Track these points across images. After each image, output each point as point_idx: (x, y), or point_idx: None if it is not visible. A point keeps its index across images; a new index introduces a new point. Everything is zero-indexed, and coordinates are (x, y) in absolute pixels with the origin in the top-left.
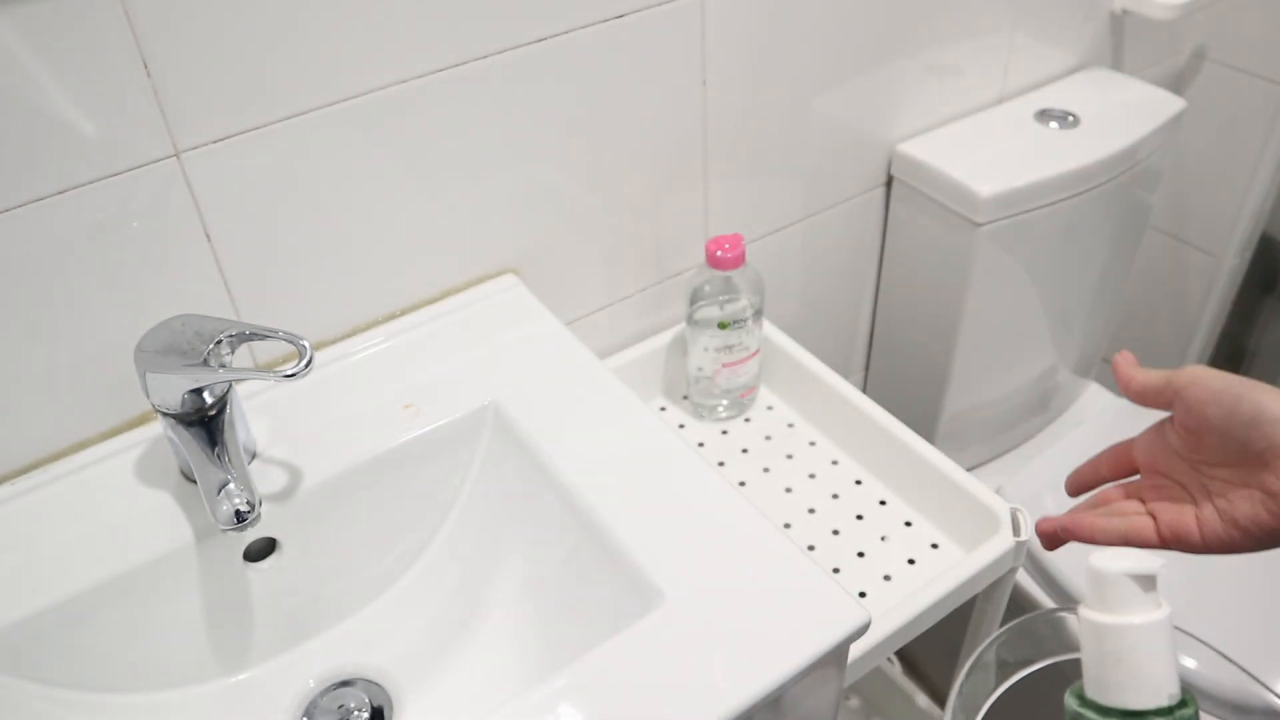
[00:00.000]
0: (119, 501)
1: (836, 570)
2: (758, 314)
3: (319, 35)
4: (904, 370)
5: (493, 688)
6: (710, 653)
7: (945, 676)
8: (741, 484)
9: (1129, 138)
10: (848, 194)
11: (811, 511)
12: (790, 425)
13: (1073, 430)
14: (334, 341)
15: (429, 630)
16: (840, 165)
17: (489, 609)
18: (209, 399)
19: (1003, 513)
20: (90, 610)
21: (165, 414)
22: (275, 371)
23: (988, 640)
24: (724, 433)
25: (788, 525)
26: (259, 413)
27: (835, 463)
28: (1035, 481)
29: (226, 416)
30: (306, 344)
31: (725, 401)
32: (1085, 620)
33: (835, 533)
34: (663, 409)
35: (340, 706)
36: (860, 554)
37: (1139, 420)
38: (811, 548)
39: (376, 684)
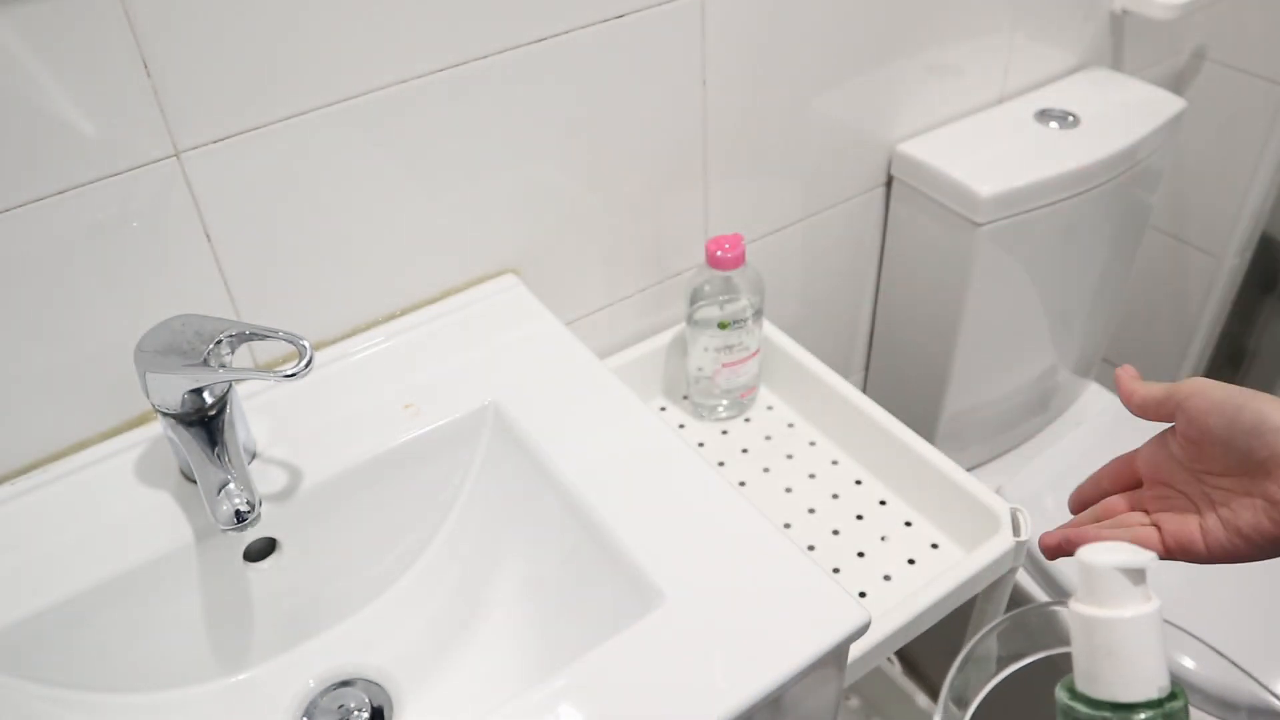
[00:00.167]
0: (119, 501)
1: (836, 570)
2: (758, 314)
3: (319, 35)
4: (904, 370)
5: (493, 688)
6: (710, 653)
7: (945, 677)
8: (741, 484)
9: (1129, 138)
10: (848, 194)
11: (811, 511)
12: (790, 425)
13: (1073, 430)
14: (334, 341)
15: (429, 630)
16: (840, 165)
17: (489, 609)
18: (209, 399)
19: (1003, 513)
20: (90, 610)
21: (165, 414)
22: (275, 371)
23: (977, 635)
24: (724, 433)
25: (788, 525)
26: (259, 413)
27: (835, 463)
28: (1035, 481)
29: (226, 416)
30: (306, 344)
31: (725, 401)
32: (1075, 613)
33: (835, 533)
34: (663, 409)
35: (340, 706)
36: (860, 554)
37: (1139, 421)
38: (811, 548)
39: (376, 684)
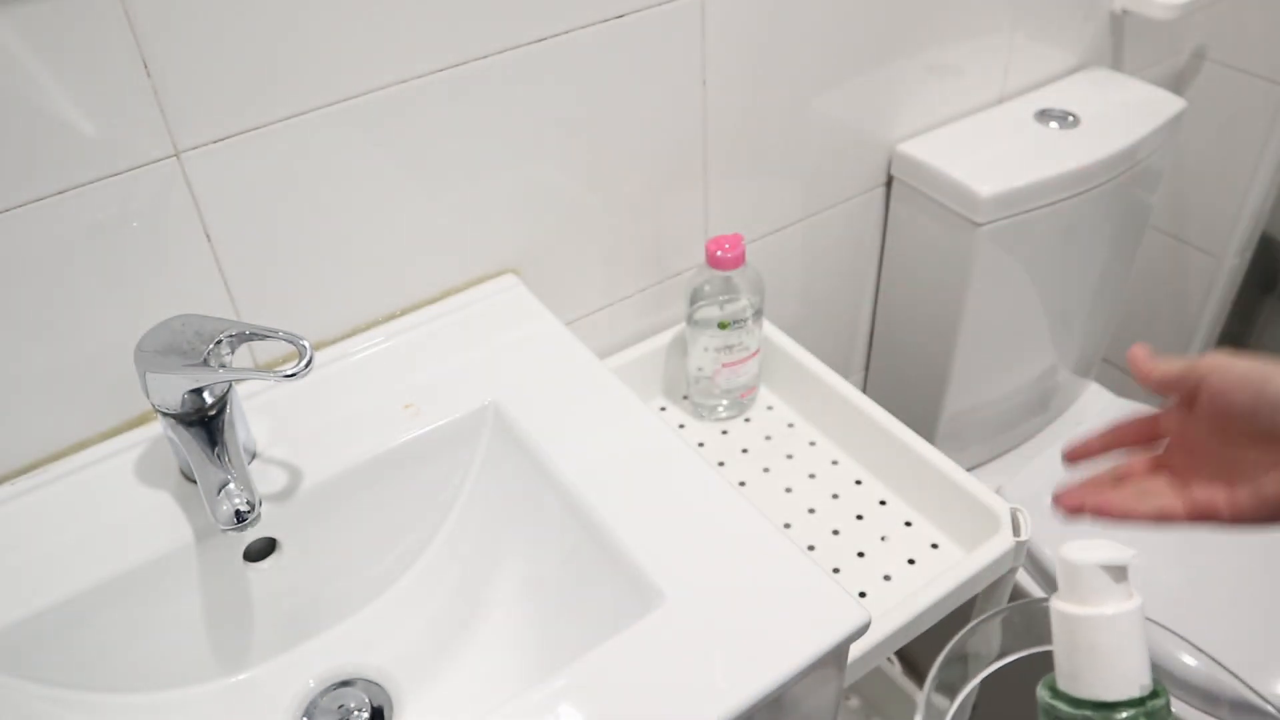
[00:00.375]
0: (119, 501)
1: (836, 570)
2: (758, 314)
3: (319, 35)
4: (904, 370)
5: (493, 688)
6: (710, 653)
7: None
8: (741, 484)
9: (1129, 138)
10: (848, 194)
11: (811, 511)
12: (790, 425)
13: (1073, 430)
14: (334, 341)
15: (429, 630)
16: (840, 165)
17: (489, 609)
18: (209, 399)
19: (1003, 513)
20: (90, 610)
21: (165, 414)
22: (275, 371)
23: (959, 634)
24: (724, 433)
25: (788, 525)
26: (259, 413)
27: (835, 463)
28: (1035, 481)
29: (226, 416)
30: (306, 344)
31: (725, 401)
32: (1057, 611)
33: (835, 533)
34: (663, 409)
35: (340, 706)
36: (860, 554)
37: None
38: (811, 548)
39: (376, 684)
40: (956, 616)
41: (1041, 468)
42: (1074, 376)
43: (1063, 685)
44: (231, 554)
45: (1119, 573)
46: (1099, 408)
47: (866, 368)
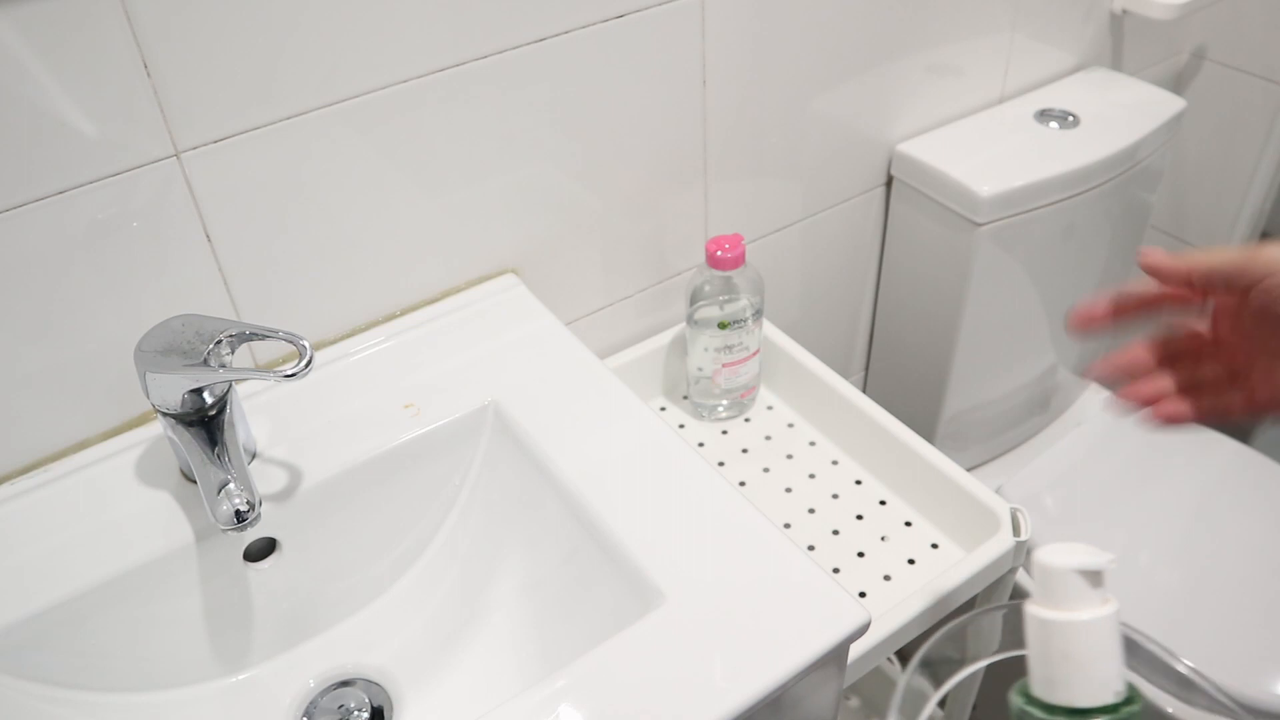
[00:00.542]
0: (119, 501)
1: (836, 570)
2: (758, 314)
3: (319, 36)
4: (904, 370)
5: (493, 688)
6: (710, 653)
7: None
8: (741, 484)
9: (1129, 138)
10: (847, 194)
11: (811, 511)
12: (790, 425)
13: (1073, 430)
14: (334, 341)
15: (429, 630)
16: (840, 165)
17: (489, 609)
18: (209, 399)
19: (1003, 513)
20: (90, 610)
21: (165, 414)
22: (275, 371)
23: (934, 637)
24: (724, 433)
25: (788, 525)
26: (259, 413)
27: (835, 463)
28: (1035, 481)
29: (226, 416)
30: (306, 344)
31: (725, 401)
32: (1031, 616)
33: (835, 533)
34: (663, 409)
35: (340, 706)
36: (860, 554)
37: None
38: (811, 548)
39: (376, 684)
40: (956, 617)
41: (1041, 468)
42: (1074, 376)
43: (1036, 691)
44: (232, 554)
45: (1095, 578)
46: (1099, 408)
47: (866, 368)
